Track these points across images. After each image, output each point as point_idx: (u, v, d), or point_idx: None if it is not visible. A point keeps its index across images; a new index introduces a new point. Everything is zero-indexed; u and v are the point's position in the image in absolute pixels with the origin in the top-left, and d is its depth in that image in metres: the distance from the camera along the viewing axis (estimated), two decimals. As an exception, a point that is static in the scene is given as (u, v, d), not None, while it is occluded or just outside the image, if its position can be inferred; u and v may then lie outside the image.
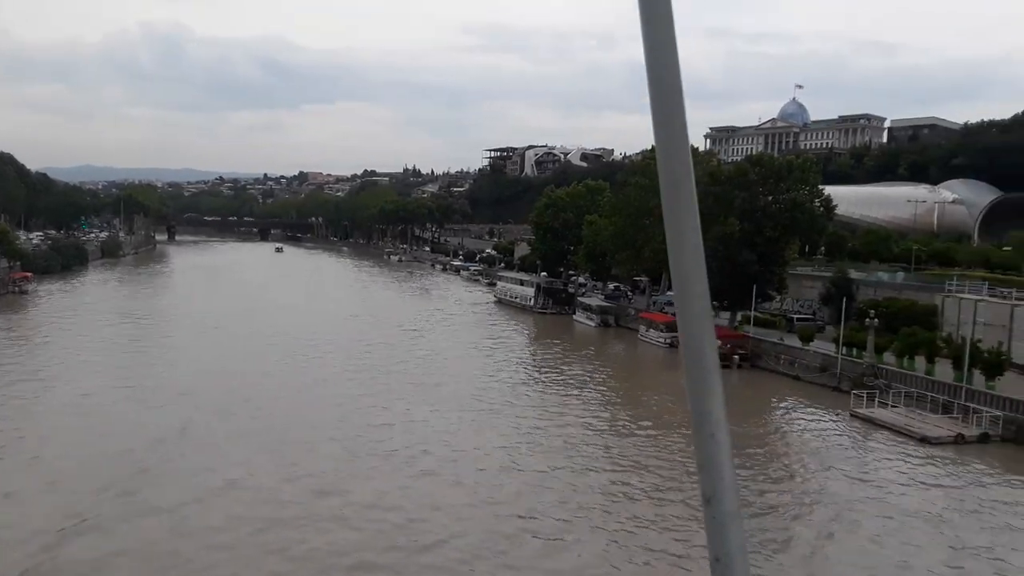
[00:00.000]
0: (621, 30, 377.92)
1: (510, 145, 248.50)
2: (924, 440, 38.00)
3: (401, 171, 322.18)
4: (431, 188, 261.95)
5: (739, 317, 66.14)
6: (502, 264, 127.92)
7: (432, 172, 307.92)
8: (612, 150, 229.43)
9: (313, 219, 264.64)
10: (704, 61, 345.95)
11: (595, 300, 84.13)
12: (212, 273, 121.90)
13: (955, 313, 53.83)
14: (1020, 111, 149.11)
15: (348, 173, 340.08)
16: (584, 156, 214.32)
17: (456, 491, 29.56)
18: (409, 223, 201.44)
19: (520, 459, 33.70)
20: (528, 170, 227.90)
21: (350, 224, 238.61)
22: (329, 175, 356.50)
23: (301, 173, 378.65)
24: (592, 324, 78.48)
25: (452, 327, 74.87)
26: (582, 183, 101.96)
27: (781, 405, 48.30)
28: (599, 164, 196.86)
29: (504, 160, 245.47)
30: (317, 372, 50.24)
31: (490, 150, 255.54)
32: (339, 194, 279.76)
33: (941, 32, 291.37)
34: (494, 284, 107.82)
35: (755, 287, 61.50)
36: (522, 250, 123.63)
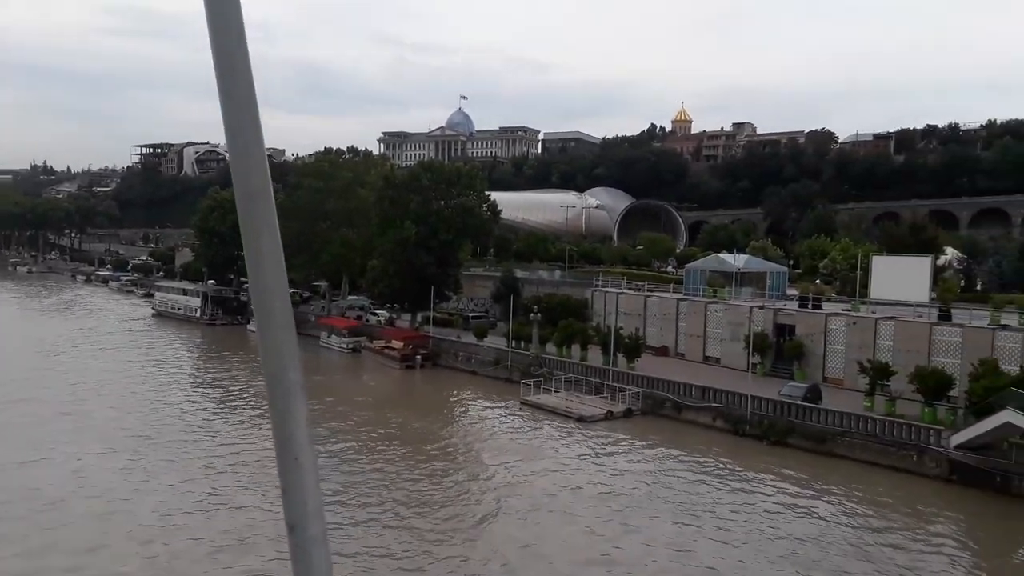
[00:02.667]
0: (282, 24, 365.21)
1: (166, 141, 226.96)
2: (581, 419, 42.66)
3: (28, 167, 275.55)
4: (68, 188, 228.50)
5: (419, 318, 67.92)
6: (161, 273, 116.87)
7: (69, 169, 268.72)
8: (283, 150, 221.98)
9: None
10: (374, 66, 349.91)
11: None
12: None
13: (602, 305, 61.22)
14: (645, 129, 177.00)
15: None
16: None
17: (132, 542, 25.35)
18: (41, 228, 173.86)
19: (208, 498, 29.68)
20: (188, 169, 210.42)
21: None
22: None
23: None
24: (269, 333, 74.72)
25: (105, 347, 65.70)
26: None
27: (460, 399, 50.45)
28: (269, 164, 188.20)
29: (159, 157, 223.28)
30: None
31: (142, 146, 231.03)
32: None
33: (582, 55, 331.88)
34: (152, 295, 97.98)
35: (433, 288, 63.64)
36: (185, 257, 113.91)
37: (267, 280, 1.40)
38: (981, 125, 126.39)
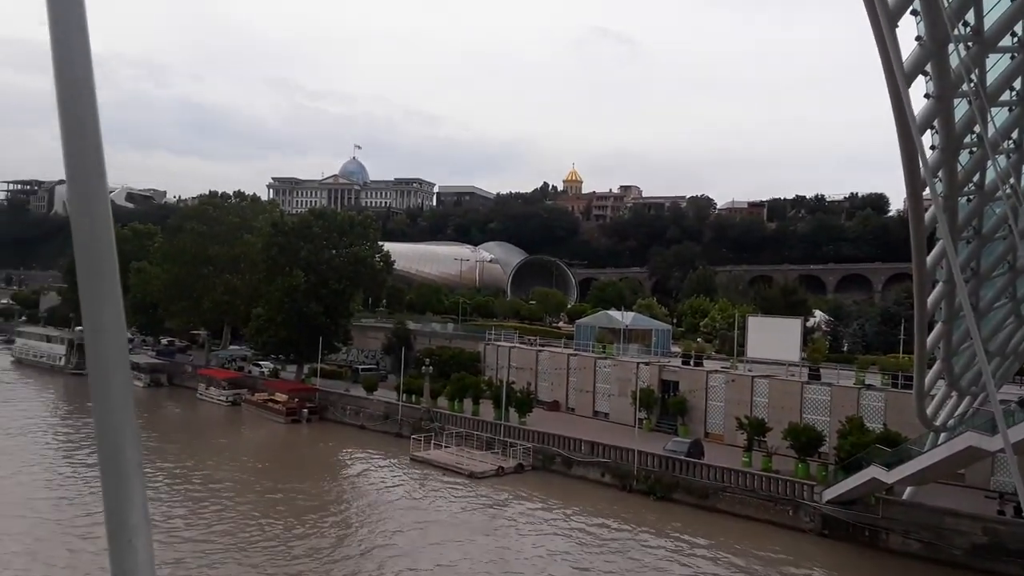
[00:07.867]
0: (176, 64, 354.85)
1: (36, 178, 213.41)
2: (472, 476, 41.95)
3: None
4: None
5: (306, 369, 65.64)
6: (23, 317, 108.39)
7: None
8: (164, 192, 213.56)
9: None
10: (268, 111, 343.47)
11: (144, 358, 75.75)
12: None
13: (494, 358, 61.18)
14: (538, 187, 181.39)
15: None
16: (131, 196, 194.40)
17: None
18: None
19: None
20: (60, 208, 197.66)
21: None
22: None
23: None
24: (141, 385, 70.26)
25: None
26: (128, 226, 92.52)
27: (347, 456, 48.67)
28: (149, 206, 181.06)
29: (28, 195, 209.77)
30: None
31: (8, 182, 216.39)
32: None
33: (476, 110, 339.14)
34: (13, 341, 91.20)
35: (322, 339, 61.83)
36: (50, 300, 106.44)
37: (107, 353, 1.29)
38: (844, 197, 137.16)
